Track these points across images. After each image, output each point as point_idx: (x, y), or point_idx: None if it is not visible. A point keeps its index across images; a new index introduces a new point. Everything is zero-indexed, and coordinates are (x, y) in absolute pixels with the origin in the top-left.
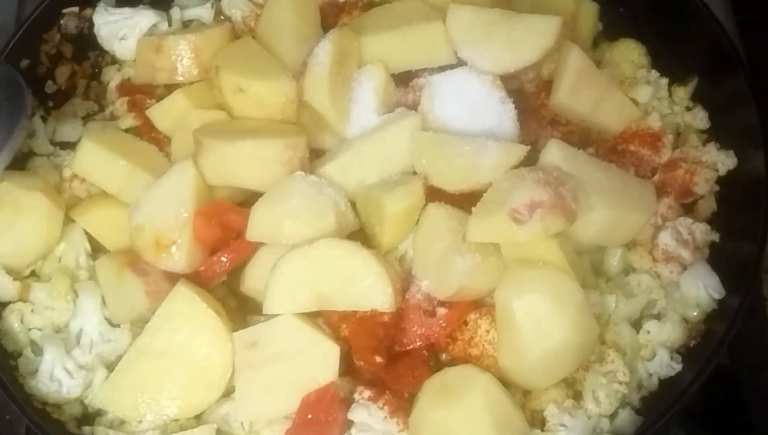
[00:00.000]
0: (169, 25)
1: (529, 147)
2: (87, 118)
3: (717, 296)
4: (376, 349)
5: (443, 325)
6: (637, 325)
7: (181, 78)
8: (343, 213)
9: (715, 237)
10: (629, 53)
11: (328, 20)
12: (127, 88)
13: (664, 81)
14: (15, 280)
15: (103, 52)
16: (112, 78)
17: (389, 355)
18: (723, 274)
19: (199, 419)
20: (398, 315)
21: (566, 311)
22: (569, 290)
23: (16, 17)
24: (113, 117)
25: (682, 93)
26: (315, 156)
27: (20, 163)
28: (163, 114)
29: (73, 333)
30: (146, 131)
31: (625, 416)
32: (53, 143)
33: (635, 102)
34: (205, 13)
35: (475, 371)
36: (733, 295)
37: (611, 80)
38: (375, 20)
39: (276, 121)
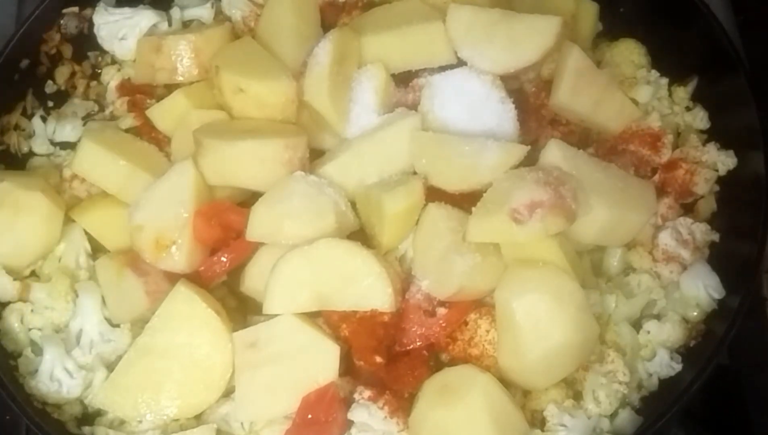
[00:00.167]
0: (169, 25)
1: (529, 147)
2: (87, 118)
3: (717, 296)
4: (376, 349)
5: (443, 325)
6: (637, 325)
7: (181, 78)
8: (343, 213)
9: (715, 237)
10: (629, 53)
11: (328, 20)
12: (127, 88)
13: (664, 81)
14: (15, 280)
15: (103, 52)
16: (112, 78)
17: (389, 355)
18: (723, 274)
19: (199, 419)
20: (398, 315)
21: (566, 311)
22: (569, 290)
23: (16, 17)
24: (113, 117)
25: (682, 93)
26: (315, 156)
27: (20, 163)
28: (163, 114)
29: (73, 333)
30: (146, 131)
31: (625, 416)
32: (53, 143)
33: (635, 102)
34: (205, 13)
35: (475, 371)
36: (733, 295)
37: (611, 80)
38: (375, 20)
39: (276, 121)
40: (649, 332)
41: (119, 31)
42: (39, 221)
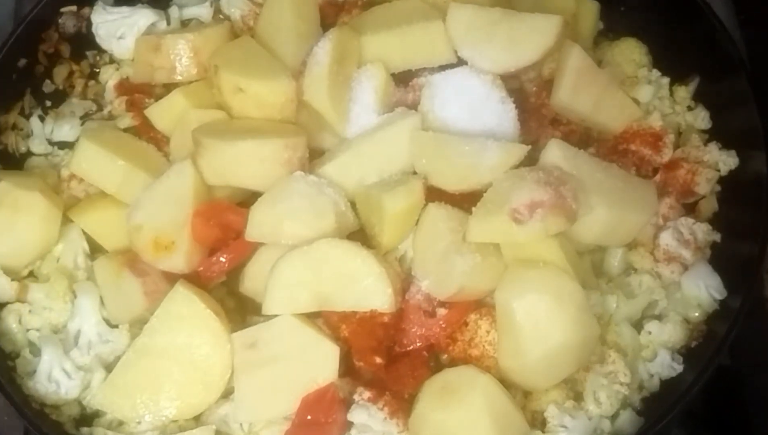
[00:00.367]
0: (168, 24)
1: (529, 147)
2: (85, 117)
3: (718, 296)
4: (375, 349)
5: (443, 325)
6: (638, 325)
7: (179, 77)
8: (343, 213)
9: (717, 237)
10: (630, 52)
11: (327, 19)
12: (125, 87)
13: (666, 80)
14: (13, 280)
15: (101, 52)
16: (111, 77)
17: (389, 355)
18: (724, 275)
19: (198, 420)
20: (398, 315)
21: (567, 311)
22: (570, 290)
23: (13, 16)
24: (111, 116)
25: (684, 92)
26: (315, 156)
27: (18, 163)
28: (162, 113)
29: (72, 334)
30: (145, 131)
31: (626, 417)
32: (51, 143)
33: (636, 101)
34: (203, 12)
35: (476, 372)
36: (735, 295)
37: (612, 80)
38: (375, 19)
39: (275, 120)
40: (650, 333)
41: (117, 30)
42: (37, 221)
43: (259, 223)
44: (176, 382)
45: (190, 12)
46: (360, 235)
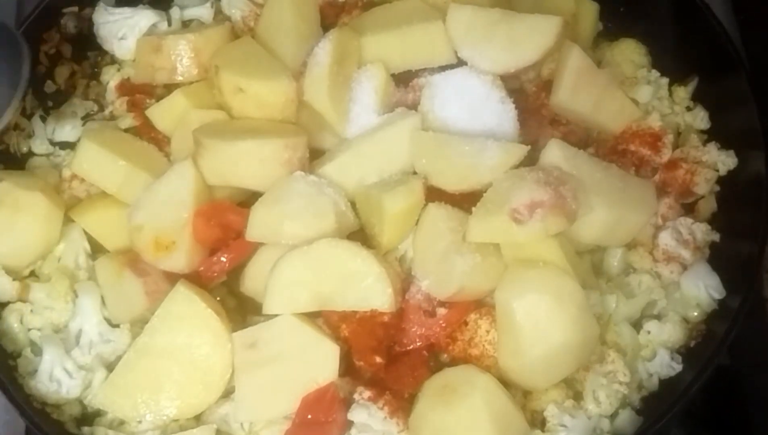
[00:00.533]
0: (169, 24)
1: (529, 147)
2: (86, 118)
3: (717, 296)
4: (376, 349)
5: (443, 325)
6: (637, 325)
7: (180, 78)
8: (343, 213)
9: (716, 237)
10: (630, 53)
11: (328, 20)
12: (126, 87)
13: (665, 81)
14: (14, 280)
15: (102, 52)
16: (112, 78)
17: (389, 355)
18: (723, 275)
19: (198, 420)
20: (398, 315)
21: (566, 311)
22: (569, 290)
23: (15, 17)
24: (113, 117)
25: (683, 93)
26: (315, 156)
27: (20, 163)
28: (163, 114)
29: (73, 333)
30: (146, 131)
31: (626, 416)
32: (52, 143)
33: (636, 102)
34: (204, 12)
35: (475, 372)
36: (734, 295)
37: (611, 80)
38: (375, 20)
39: (276, 121)
40: (649, 332)
41: (119, 31)
42: (38, 221)
43: (259, 223)
44: (177, 382)
45: (191, 13)
46: (360, 235)
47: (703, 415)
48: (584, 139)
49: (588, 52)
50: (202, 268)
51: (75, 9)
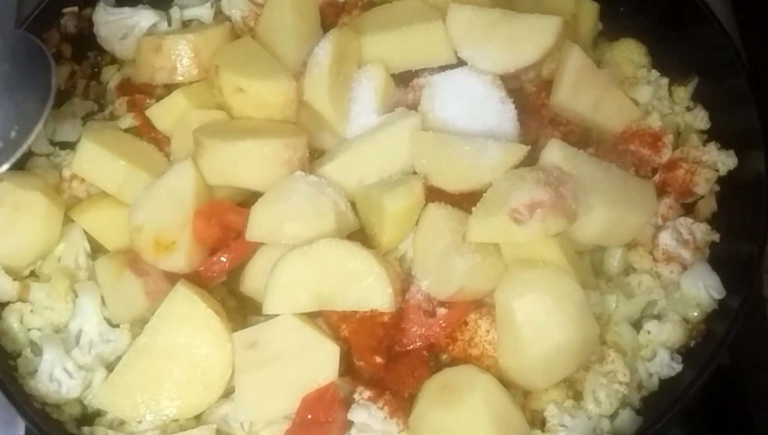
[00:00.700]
0: (169, 24)
1: (529, 147)
2: (86, 117)
3: (717, 296)
4: (376, 349)
5: (443, 325)
6: (637, 325)
7: (180, 78)
8: (343, 213)
9: (716, 237)
10: (629, 53)
11: (328, 20)
12: (126, 87)
13: (665, 81)
14: (14, 280)
15: (102, 52)
16: (112, 78)
17: (389, 355)
18: (723, 274)
19: (198, 419)
20: (398, 315)
21: (566, 311)
22: (569, 290)
23: (15, 17)
24: (113, 117)
25: (683, 93)
26: (315, 156)
27: (20, 163)
28: (163, 114)
29: (73, 333)
30: (146, 131)
31: (626, 416)
32: (53, 143)
33: (635, 102)
34: (204, 12)
35: (475, 371)
36: (734, 295)
37: (611, 80)
38: (375, 20)
39: (276, 121)
40: (649, 332)
41: (119, 31)
42: (38, 221)
43: (259, 223)
44: (177, 382)
45: (191, 13)
46: (360, 235)
47: (703, 415)
48: (584, 139)
49: (588, 52)
50: (202, 268)
51: (75, 9)
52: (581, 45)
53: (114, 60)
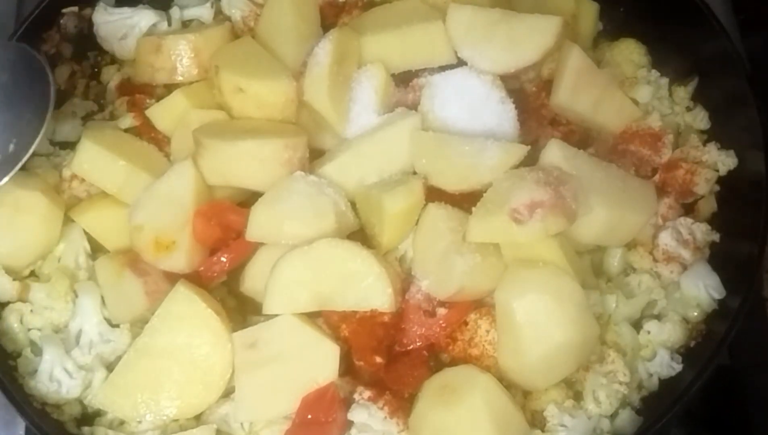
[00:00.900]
0: (169, 24)
1: (529, 147)
2: (86, 117)
3: (717, 296)
4: (376, 349)
5: (443, 325)
6: (637, 325)
7: (180, 78)
8: (343, 213)
9: (716, 237)
10: (629, 53)
11: (328, 20)
12: (126, 87)
13: (665, 81)
14: (14, 280)
15: (102, 52)
16: (112, 78)
17: (389, 355)
18: (723, 275)
19: (198, 419)
20: (398, 315)
21: (566, 311)
22: (569, 290)
23: (15, 17)
24: (113, 117)
25: (683, 93)
26: (315, 156)
27: None
28: (163, 114)
29: (73, 333)
30: (146, 131)
31: (626, 416)
32: (53, 143)
33: (635, 102)
34: (204, 12)
35: (475, 371)
36: (734, 295)
37: (611, 80)
38: (375, 20)
39: (276, 121)
40: (649, 332)
41: (119, 31)
42: (38, 221)
43: (259, 223)
44: (177, 382)
45: (191, 13)
46: (360, 235)
47: (703, 415)
48: (584, 139)
49: (588, 52)
50: (202, 268)
51: (75, 9)
52: (581, 45)
53: (114, 60)
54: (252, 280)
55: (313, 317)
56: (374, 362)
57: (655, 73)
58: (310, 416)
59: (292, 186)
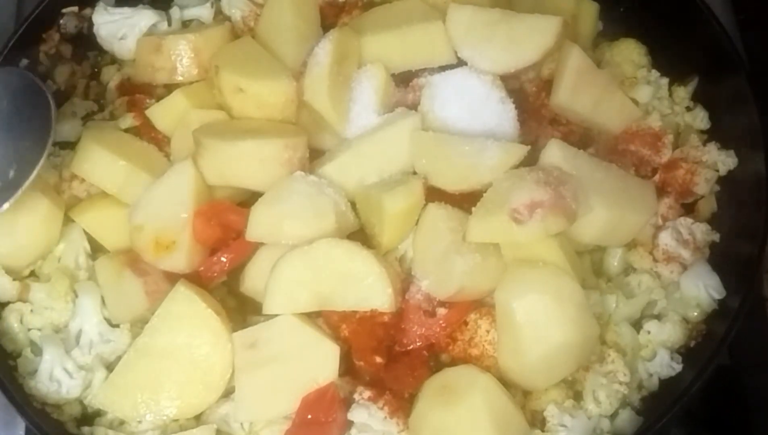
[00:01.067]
0: (169, 24)
1: (529, 147)
2: (86, 117)
3: (717, 296)
4: (376, 349)
5: (443, 325)
6: (637, 325)
7: (180, 78)
8: (343, 213)
9: (716, 237)
10: (629, 53)
11: (328, 20)
12: (126, 87)
13: (665, 81)
14: (14, 280)
15: (102, 52)
16: (112, 78)
17: (389, 355)
18: (723, 274)
19: (198, 419)
20: (398, 315)
21: (566, 311)
22: (569, 290)
23: (15, 17)
24: (113, 117)
25: (683, 93)
26: (315, 156)
27: None
28: (163, 114)
29: (73, 333)
30: (146, 131)
31: (626, 416)
32: (53, 143)
33: (635, 102)
34: (204, 12)
35: (475, 372)
36: (734, 295)
37: (611, 80)
38: (375, 20)
39: (276, 121)
40: (649, 332)
41: (119, 31)
42: (38, 221)
43: (259, 223)
44: (177, 382)
45: (191, 13)
46: (360, 235)
47: (703, 415)
48: (584, 139)
49: (588, 52)
50: (202, 268)
51: (75, 9)
52: (581, 45)
53: (114, 60)
54: (252, 280)
55: (313, 317)
56: (374, 362)
57: (655, 73)
58: (310, 416)
59: (292, 186)
